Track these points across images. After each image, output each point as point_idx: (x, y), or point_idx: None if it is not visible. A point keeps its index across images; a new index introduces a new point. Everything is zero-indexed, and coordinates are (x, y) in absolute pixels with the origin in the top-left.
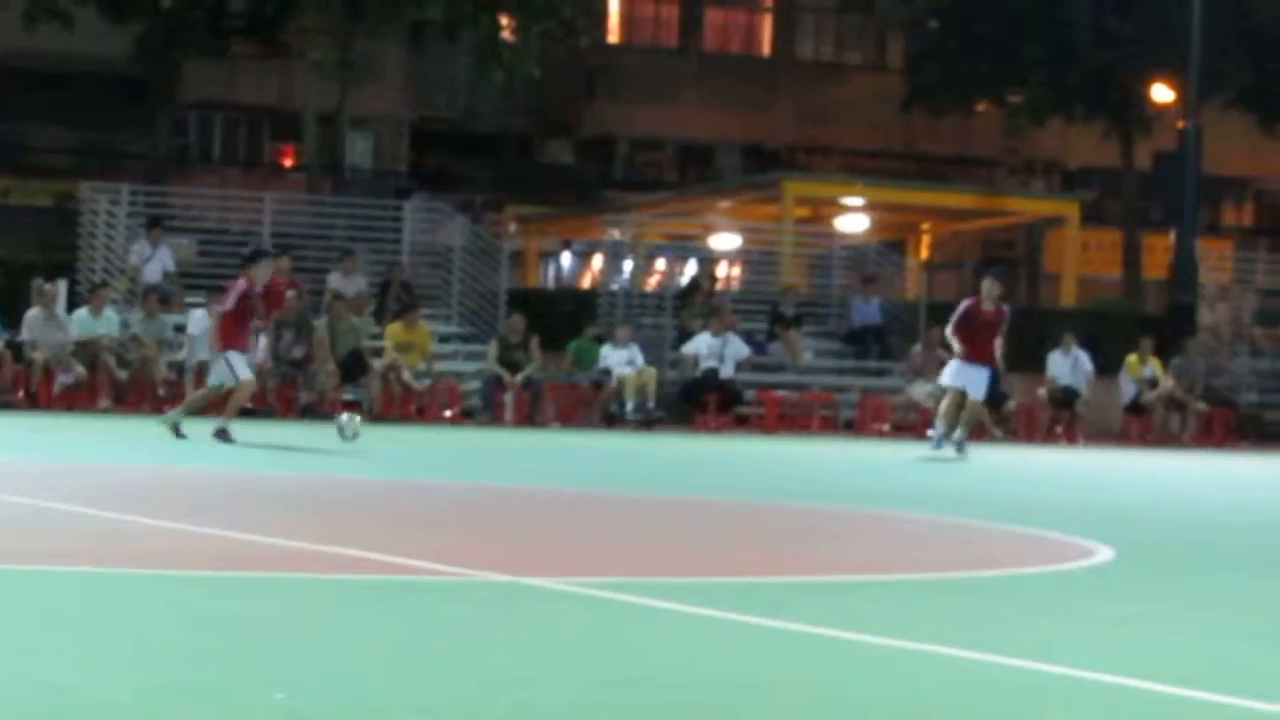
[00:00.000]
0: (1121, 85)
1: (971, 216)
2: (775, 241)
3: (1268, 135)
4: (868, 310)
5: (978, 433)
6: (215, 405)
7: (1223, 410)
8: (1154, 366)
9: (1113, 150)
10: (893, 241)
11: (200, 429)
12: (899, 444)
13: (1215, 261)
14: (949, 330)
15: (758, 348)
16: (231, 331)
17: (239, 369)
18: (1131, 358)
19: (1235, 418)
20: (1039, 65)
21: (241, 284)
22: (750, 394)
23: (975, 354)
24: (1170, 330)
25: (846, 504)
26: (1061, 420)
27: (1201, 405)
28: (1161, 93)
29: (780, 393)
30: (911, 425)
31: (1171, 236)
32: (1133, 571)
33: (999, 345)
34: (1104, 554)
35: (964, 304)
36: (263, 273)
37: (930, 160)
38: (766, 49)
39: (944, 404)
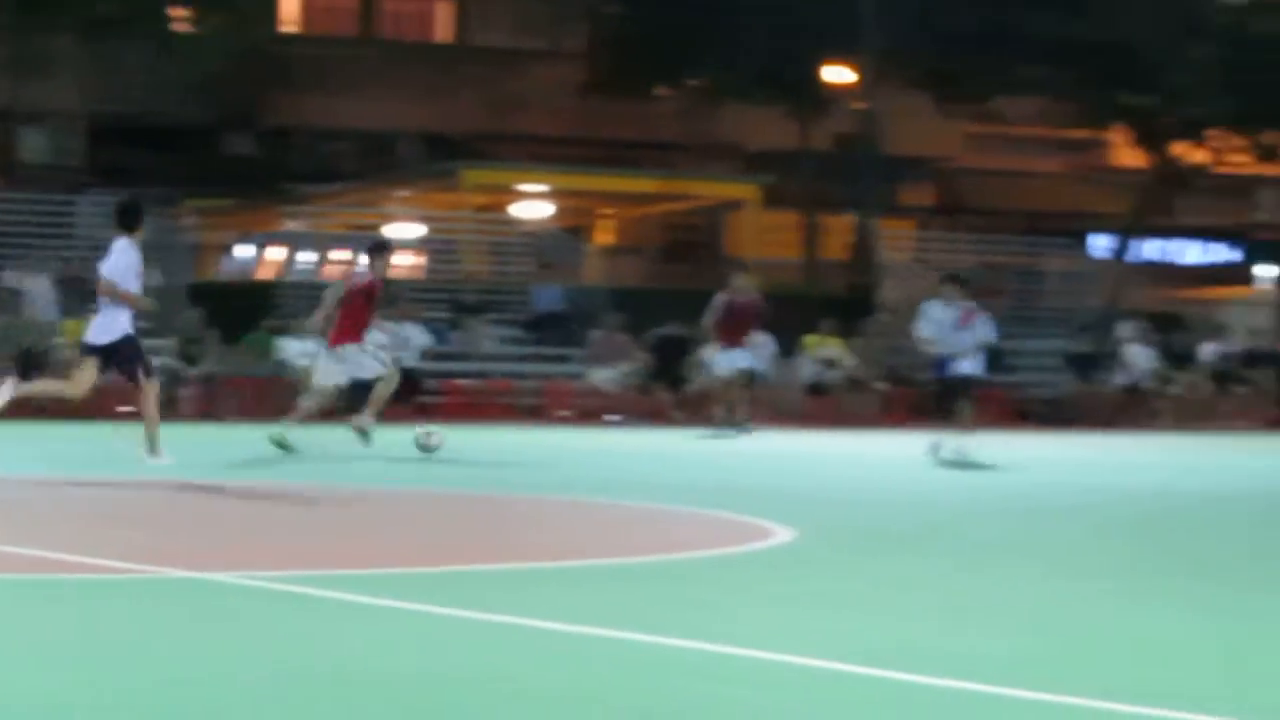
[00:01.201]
0: (800, 68)
1: (653, 201)
2: (456, 230)
3: (946, 116)
4: (549, 296)
5: (652, 415)
6: None
7: (903, 389)
8: (834, 347)
9: (792, 132)
10: (575, 227)
11: None
12: (583, 431)
13: (895, 241)
14: (709, 322)
15: (439, 336)
16: None
17: None
18: (811, 338)
19: (916, 396)
20: (718, 49)
21: None
22: (433, 383)
23: (732, 340)
24: (851, 311)
25: (532, 492)
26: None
27: (882, 385)
28: (840, 75)
29: (463, 381)
30: (594, 411)
31: (851, 217)
32: (815, 552)
33: (754, 331)
34: (787, 535)
35: (721, 298)
36: None
37: (612, 145)
38: (447, 36)
39: (722, 390)
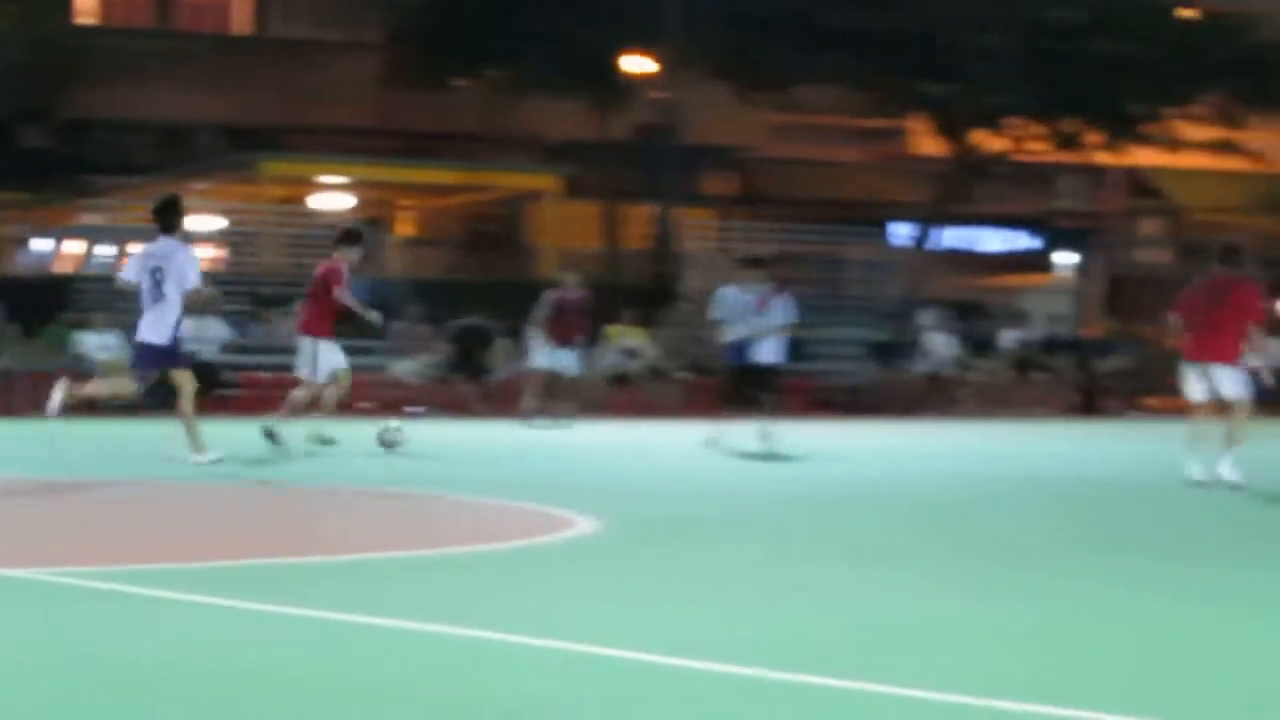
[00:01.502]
0: (600, 58)
1: (453, 192)
2: (255, 222)
3: (747, 105)
4: (352, 289)
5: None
6: None
7: (706, 379)
8: (636, 337)
9: (593, 123)
10: (375, 219)
11: None
12: (385, 423)
13: (697, 231)
14: (538, 318)
15: (239, 329)
16: None
17: None
18: (613, 328)
19: (718, 386)
20: (518, 40)
21: None
22: (232, 375)
23: (563, 338)
24: (652, 301)
25: (336, 484)
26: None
27: (684, 375)
28: (640, 65)
29: (263, 374)
30: (396, 403)
31: (652, 207)
32: (620, 542)
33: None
34: (591, 526)
35: (552, 294)
36: None
37: (413, 137)
38: (245, 28)
39: (540, 383)
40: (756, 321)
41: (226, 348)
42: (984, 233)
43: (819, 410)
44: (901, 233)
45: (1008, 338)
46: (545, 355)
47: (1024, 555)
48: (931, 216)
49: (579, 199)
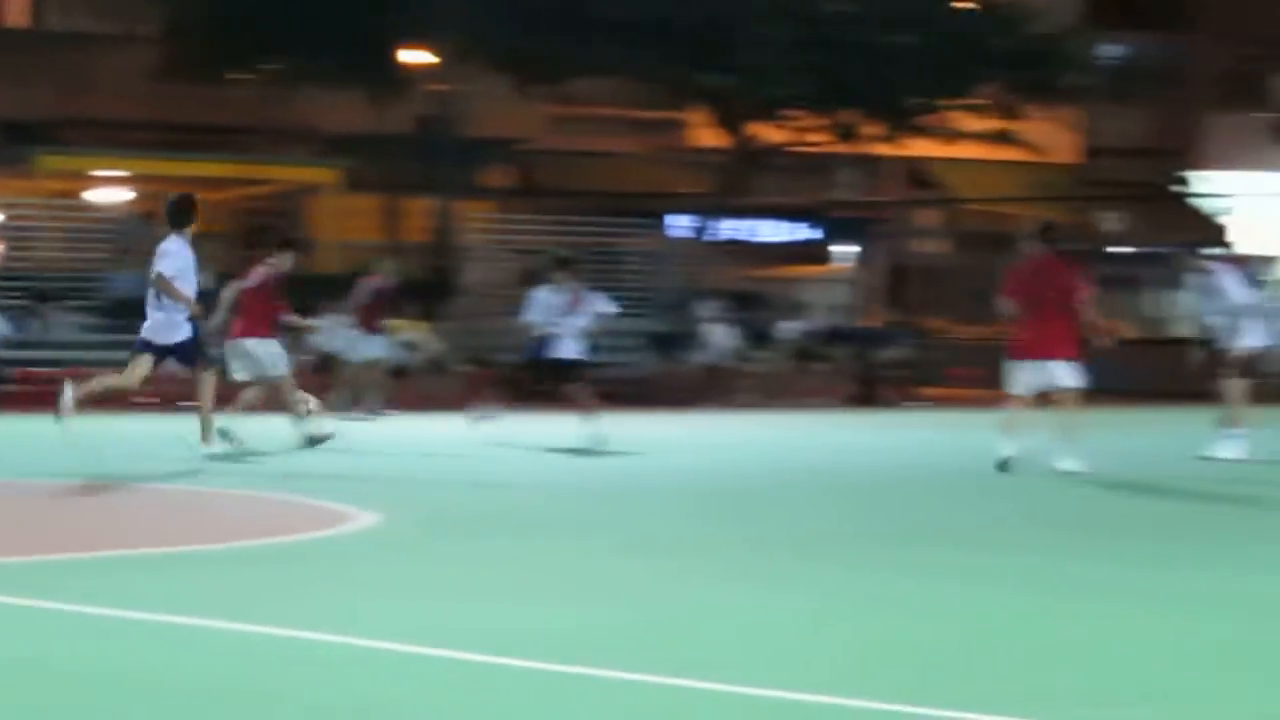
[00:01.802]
0: (378, 51)
1: (230, 186)
2: (32, 216)
3: (525, 97)
4: (127, 283)
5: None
6: None
7: (486, 371)
8: (416, 330)
9: (373, 115)
10: (152, 213)
11: None
12: (165, 418)
13: (477, 223)
14: (351, 306)
15: (16, 325)
16: None
17: None
18: (395, 322)
19: (499, 378)
20: (294, 33)
21: None
22: (9, 371)
23: (372, 325)
24: (433, 293)
25: (115, 479)
26: (329, 385)
27: (465, 368)
28: (418, 57)
29: (40, 369)
30: (174, 398)
31: (433, 200)
32: (399, 535)
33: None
34: (371, 519)
35: (371, 282)
36: None
37: (190, 130)
38: (22, 20)
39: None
40: (568, 322)
41: (2, 343)
42: (763, 224)
43: (600, 402)
44: (681, 224)
45: (787, 329)
46: (359, 346)
47: (809, 545)
48: (711, 208)
49: (358, 192)
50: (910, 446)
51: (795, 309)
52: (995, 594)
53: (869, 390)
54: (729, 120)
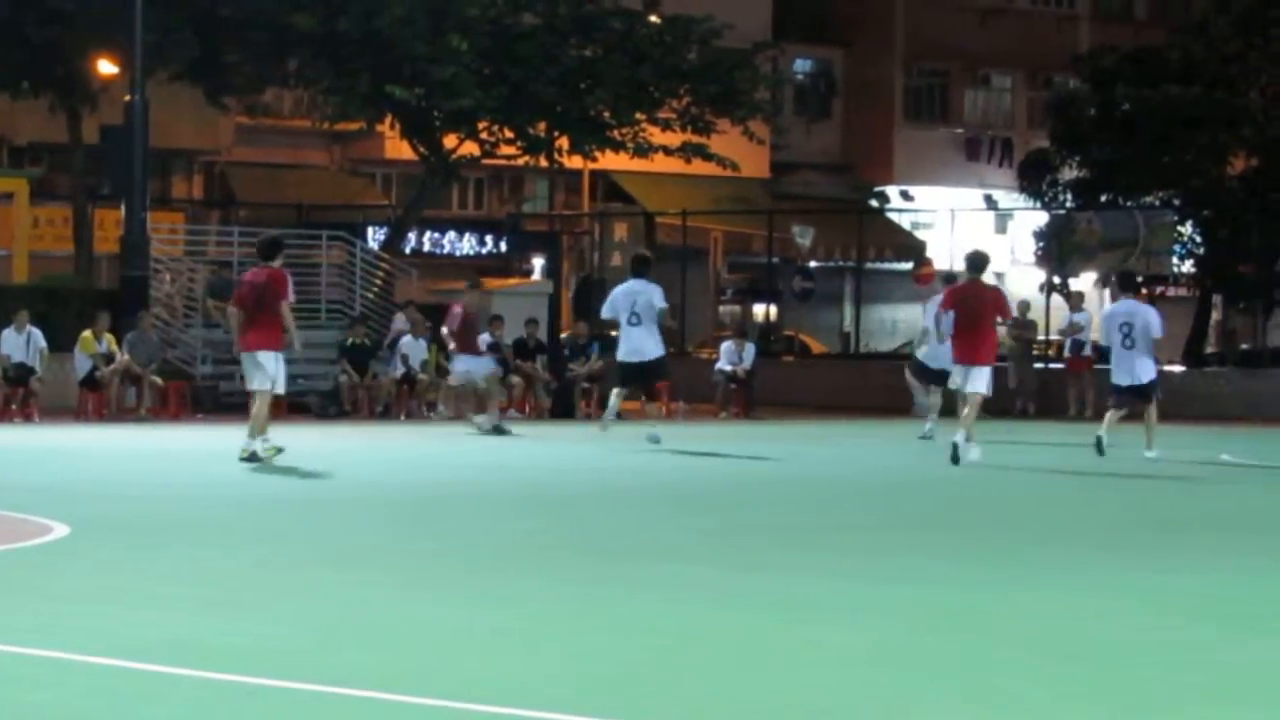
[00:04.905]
0: (67, 59)
1: None
2: None
3: (216, 108)
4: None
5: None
6: None
7: (178, 383)
8: (108, 341)
9: (61, 125)
10: None
11: None
12: None
13: (167, 234)
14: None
15: None
16: None
17: None
18: (86, 334)
19: (191, 389)
20: None
21: None
22: None
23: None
24: (123, 304)
25: None
26: (15, 398)
27: (157, 379)
28: (107, 67)
29: None
30: None
31: (122, 210)
32: (87, 547)
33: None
34: (60, 530)
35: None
36: None
37: None
38: None
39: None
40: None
41: None
42: (456, 236)
43: (293, 414)
44: (373, 236)
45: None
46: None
47: (497, 558)
48: (402, 220)
49: (48, 202)
50: (604, 458)
51: (489, 321)
52: (686, 608)
53: (564, 402)
54: (420, 131)
